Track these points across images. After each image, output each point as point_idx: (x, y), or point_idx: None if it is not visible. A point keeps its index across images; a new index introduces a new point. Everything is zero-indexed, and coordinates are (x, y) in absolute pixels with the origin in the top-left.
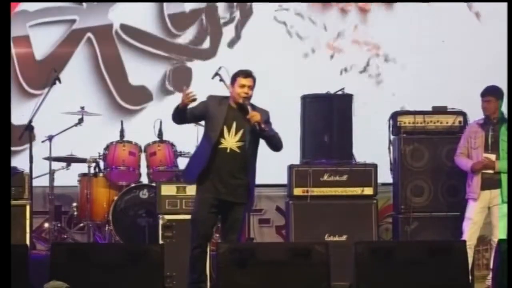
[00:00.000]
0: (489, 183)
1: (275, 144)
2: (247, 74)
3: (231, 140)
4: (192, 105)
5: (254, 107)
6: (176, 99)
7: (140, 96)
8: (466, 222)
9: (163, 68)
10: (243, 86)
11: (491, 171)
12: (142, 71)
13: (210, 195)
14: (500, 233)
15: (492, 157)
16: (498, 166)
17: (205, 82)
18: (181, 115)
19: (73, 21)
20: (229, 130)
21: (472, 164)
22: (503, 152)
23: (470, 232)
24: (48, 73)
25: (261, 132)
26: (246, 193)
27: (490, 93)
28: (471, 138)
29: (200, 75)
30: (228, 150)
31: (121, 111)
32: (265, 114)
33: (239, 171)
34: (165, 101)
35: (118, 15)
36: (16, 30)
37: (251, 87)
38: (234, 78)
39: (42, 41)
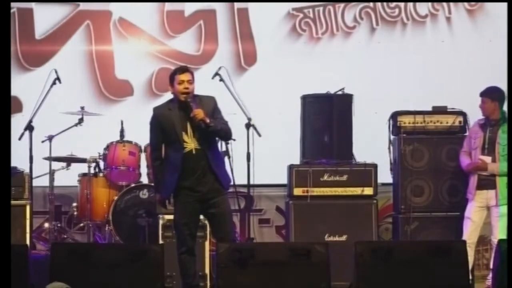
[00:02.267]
0: (485, 184)
1: (224, 136)
2: (183, 69)
3: (192, 141)
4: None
5: (198, 99)
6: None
7: (121, 90)
8: (465, 221)
9: (151, 67)
10: (182, 82)
11: (485, 173)
12: (130, 67)
13: (189, 199)
14: (499, 233)
15: (488, 159)
16: (492, 168)
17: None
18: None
19: (78, 4)
20: (186, 132)
21: (467, 164)
22: (498, 155)
23: (469, 231)
24: (45, 51)
25: (207, 128)
26: (221, 186)
27: (486, 94)
28: (472, 138)
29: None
30: (194, 151)
31: (103, 99)
32: (211, 102)
33: (210, 167)
34: (147, 99)
35: (118, 7)
36: (21, 3)
37: (191, 81)
38: (172, 77)
39: (44, 18)
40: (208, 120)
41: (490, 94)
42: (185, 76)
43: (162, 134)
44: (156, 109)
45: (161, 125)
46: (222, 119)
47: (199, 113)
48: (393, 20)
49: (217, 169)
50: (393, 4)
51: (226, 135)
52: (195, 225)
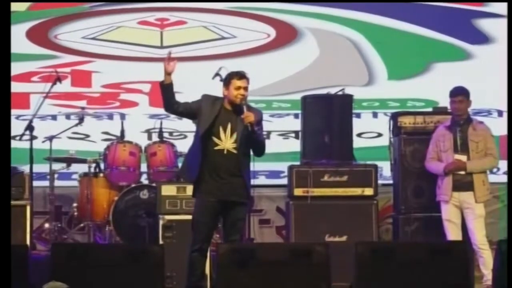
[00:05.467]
0: (459, 185)
1: (259, 149)
2: (241, 75)
3: (227, 142)
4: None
5: (249, 108)
6: None
7: None
8: (445, 224)
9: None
10: (238, 88)
11: (462, 172)
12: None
13: (212, 199)
14: (479, 235)
15: (463, 158)
16: (470, 167)
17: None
18: (168, 96)
19: None
20: (224, 132)
21: (444, 165)
22: (473, 153)
23: (453, 234)
24: None
25: (252, 133)
26: (246, 192)
27: (462, 93)
28: (440, 141)
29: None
30: (225, 152)
31: None
32: (258, 114)
33: (237, 170)
34: None
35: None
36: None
37: (246, 88)
38: (228, 80)
39: None
40: (255, 127)
41: (466, 93)
42: (242, 83)
43: (198, 118)
44: (204, 96)
45: (200, 109)
46: (262, 135)
47: (250, 115)
48: None
49: (245, 175)
50: None
51: (261, 149)
52: (213, 226)
